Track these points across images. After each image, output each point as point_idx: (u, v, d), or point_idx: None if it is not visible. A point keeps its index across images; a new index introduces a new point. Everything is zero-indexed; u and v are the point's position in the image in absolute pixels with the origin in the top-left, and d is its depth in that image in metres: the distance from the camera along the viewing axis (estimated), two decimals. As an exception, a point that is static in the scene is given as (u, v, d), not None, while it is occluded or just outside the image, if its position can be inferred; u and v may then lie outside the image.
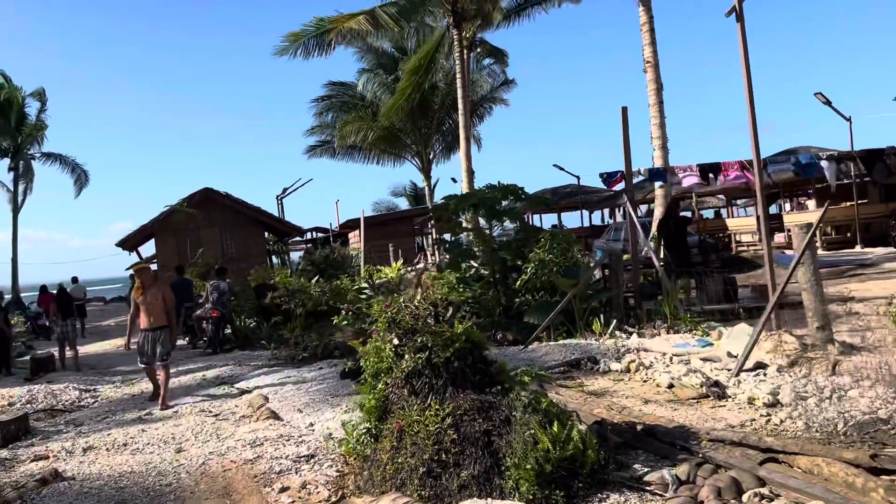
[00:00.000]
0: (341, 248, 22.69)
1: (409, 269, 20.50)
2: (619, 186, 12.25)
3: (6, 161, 33.68)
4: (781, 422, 4.94)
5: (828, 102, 22.06)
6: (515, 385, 4.41)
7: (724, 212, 31.12)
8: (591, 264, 11.81)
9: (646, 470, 4.07)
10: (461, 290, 10.52)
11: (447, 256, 13.56)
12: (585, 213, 35.84)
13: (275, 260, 23.66)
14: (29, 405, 8.67)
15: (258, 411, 7.03)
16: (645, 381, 6.70)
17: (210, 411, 7.46)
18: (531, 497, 3.68)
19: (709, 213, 31.25)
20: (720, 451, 4.21)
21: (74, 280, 21.51)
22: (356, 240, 28.32)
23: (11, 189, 33.98)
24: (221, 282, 13.13)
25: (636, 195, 13.79)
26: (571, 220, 46.45)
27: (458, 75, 21.42)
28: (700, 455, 4.20)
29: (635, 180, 12.76)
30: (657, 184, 15.97)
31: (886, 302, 8.37)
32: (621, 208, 31.89)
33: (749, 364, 6.35)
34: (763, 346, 6.76)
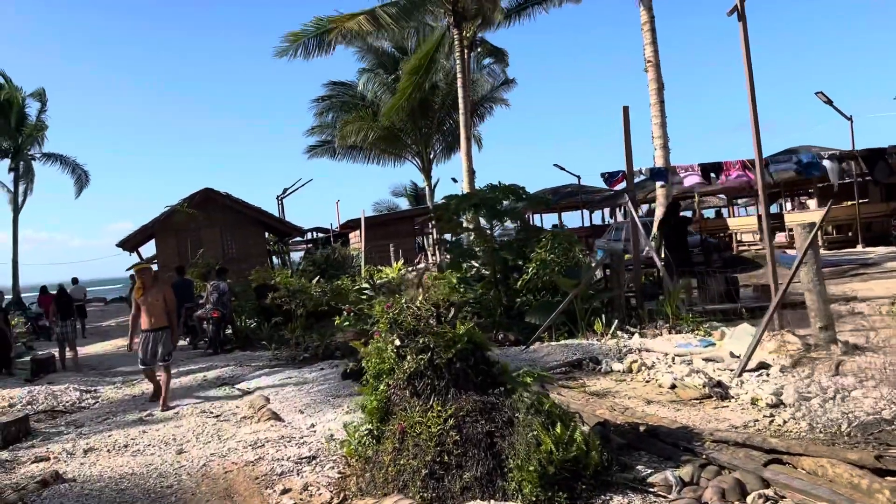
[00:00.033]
0: (342, 248, 22.66)
1: (410, 269, 20.47)
2: (621, 186, 12.22)
3: (6, 162, 33.70)
4: (785, 422, 4.92)
5: (829, 102, 22.04)
6: (518, 386, 4.38)
7: (724, 211, 31.11)
8: (593, 264, 11.79)
9: (649, 471, 4.05)
10: (462, 290, 10.51)
11: (448, 256, 13.54)
12: (586, 212, 35.85)
13: (275, 260, 23.65)
14: (30, 406, 8.65)
15: (259, 412, 7.01)
16: (647, 382, 6.68)
17: (211, 412, 7.45)
18: (534, 499, 3.66)
19: (710, 213, 31.25)
20: (724, 452, 4.18)
21: (74, 281, 21.49)
22: (357, 240, 28.31)
23: (12, 190, 33.98)
24: (222, 282, 13.12)
25: (637, 195, 13.76)
26: (572, 219, 46.52)
27: (458, 75, 21.40)
28: (704, 456, 4.18)
29: (637, 180, 12.73)
30: (658, 183, 15.96)
31: (890, 301, 8.36)
32: (622, 208, 31.92)
33: (752, 364, 6.33)
34: (766, 347, 6.73)
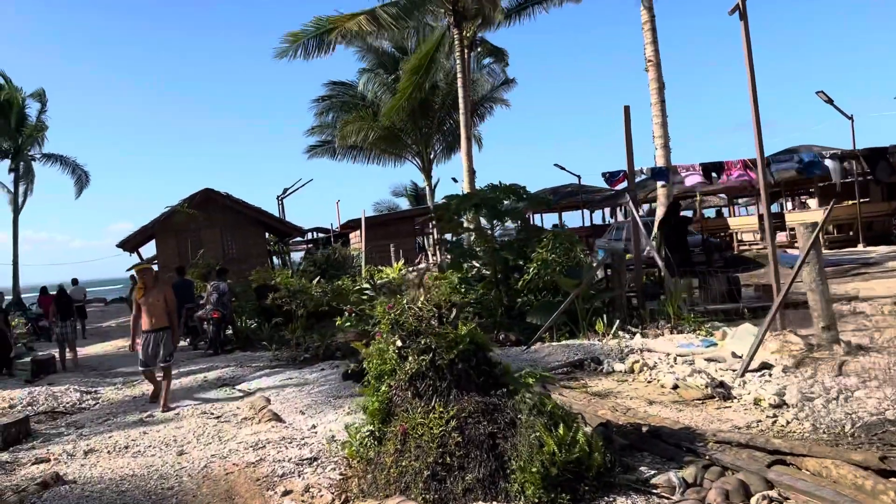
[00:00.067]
0: (342, 248, 22.65)
1: (411, 269, 20.46)
2: (623, 185, 12.20)
3: (6, 162, 33.71)
4: (788, 423, 4.90)
5: (829, 101, 22.03)
6: (520, 387, 4.36)
7: (725, 211, 31.10)
8: (594, 264, 11.77)
9: (652, 472, 4.03)
10: (463, 290, 10.49)
11: (449, 256, 13.52)
12: (586, 212, 35.83)
13: (276, 260, 23.63)
14: (30, 407, 8.63)
15: (260, 413, 7.00)
16: (649, 382, 6.66)
17: (212, 413, 7.43)
18: (537, 500, 3.65)
19: (710, 212, 31.24)
20: (727, 453, 4.16)
21: (74, 282, 21.46)
22: (357, 240, 28.31)
23: (12, 190, 33.98)
24: (222, 283, 13.10)
25: (638, 194, 13.73)
26: (572, 219, 46.49)
27: (458, 75, 21.37)
28: (707, 457, 4.16)
29: (637, 179, 12.71)
30: (659, 183, 15.94)
31: (892, 301, 8.34)
32: (622, 207, 31.90)
33: (754, 364, 6.31)
34: (768, 347, 6.72)
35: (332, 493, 4.43)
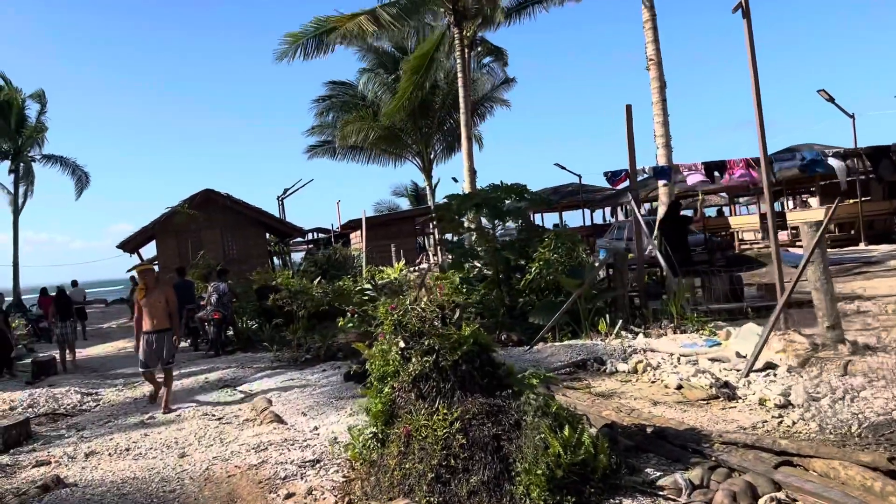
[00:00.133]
0: (343, 248, 22.62)
1: (412, 269, 20.43)
2: (625, 185, 12.17)
3: (6, 163, 33.71)
4: (794, 423, 4.86)
5: (831, 99, 22.00)
6: (525, 388, 4.33)
7: (726, 210, 31.06)
8: (596, 264, 11.73)
9: (658, 474, 3.99)
10: (465, 290, 10.46)
11: (450, 257, 13.48)
12: (587, 211, 35.78)
13: (276, 261, 23.62)
14: (30, 409, 8.60)
15: (262, 415, 6.96)
16: (653, 382, 6.62)
17: (213, 415, 7.39)
18: (542, 503, 3.61)
19: (711, 212, 31.22)
20: (733, 454, 4.13)
21: (74, 283, 21.41)
22: (358, 240, 28.28)
23: (12, 191, 33.99)
24: (223, 283, 13.07)
25: (639, 193, 13.70)
26: (573, 219, 46.47)
27: (458, 74, 21.34)
28: (713, 458, 4.12)
29: (640, 178, 12.67)
30: (661, 182, 15.90)
31: (896, 300, 8.30)
32: (623, 206, 31.87)
33: (759, 364, 6.27)
34: (772, 346, 6.67)
35: (335, 496, 4.39)
